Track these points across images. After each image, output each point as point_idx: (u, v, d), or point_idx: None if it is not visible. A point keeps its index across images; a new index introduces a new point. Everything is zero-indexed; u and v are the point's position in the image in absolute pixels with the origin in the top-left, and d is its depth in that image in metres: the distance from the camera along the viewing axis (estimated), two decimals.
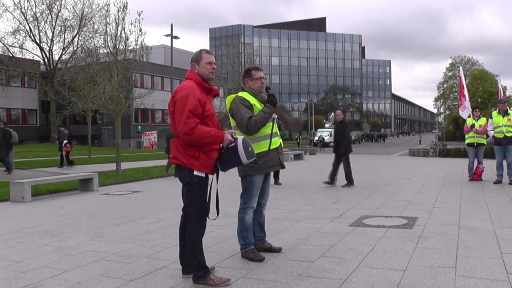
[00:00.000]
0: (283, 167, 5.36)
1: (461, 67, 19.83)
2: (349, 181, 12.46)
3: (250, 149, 4.39)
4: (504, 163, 12.10)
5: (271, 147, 5.12)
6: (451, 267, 4.71)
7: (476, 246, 5.54)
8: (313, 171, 18.74)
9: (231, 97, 5.21)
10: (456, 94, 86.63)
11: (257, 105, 5.09)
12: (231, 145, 4.35)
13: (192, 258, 4.32)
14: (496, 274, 4.47)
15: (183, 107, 4.15)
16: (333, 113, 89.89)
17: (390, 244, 5.69)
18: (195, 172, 4.27)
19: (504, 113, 12.05)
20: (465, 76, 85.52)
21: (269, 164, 5.10)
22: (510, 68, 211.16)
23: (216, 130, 4.28)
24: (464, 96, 14.93)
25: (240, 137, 4.42)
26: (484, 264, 4.78)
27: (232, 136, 4.35)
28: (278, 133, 5.31)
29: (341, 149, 12.54)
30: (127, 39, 18.59)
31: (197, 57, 4.47)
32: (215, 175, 4.49)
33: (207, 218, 4.43)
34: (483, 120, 12.77)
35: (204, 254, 4.39)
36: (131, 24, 18.72)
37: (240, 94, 5.20)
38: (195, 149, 4.24)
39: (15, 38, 50.49)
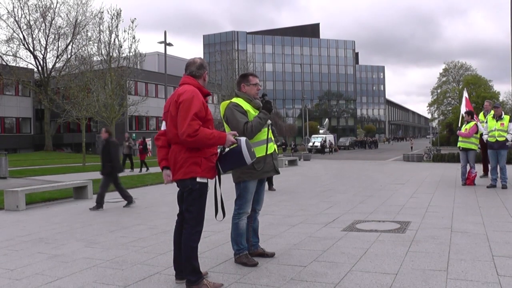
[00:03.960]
0: (278, 172, 5.37)
1: (465, 91, 19.61)
2: (99, 203, 10.90)
3: (252, 150, 4.48)
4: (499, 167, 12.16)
5: (267, 153, 5.16)
6: (442, 270, 4.75)
7: (468, 249, 5.58)
8: (307, 177, 18.76)
9: (225, 103, 5.24)
10: (450, 99, 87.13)
11: (251, 111, 5.12)
12: (233, 146, 4.39)
13: (186, 263, 4.34)
14: (487, 276, 4.51)
15: (187, 109, 4.18)
16: (327, 119, 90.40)
17: (382, 248, 5.73)
18: (198, 179, 4.30)
19: (498, 118, 12.14)
20: (458, 81, 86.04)
21: (264, 169, 5.13)
22: (504, 73, 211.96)
23: (218, 132, 4.32)
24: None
25: (243, 138, 4.47)
26: (476, 267, 4.82)
27: (234, 137, 4.40)
28: (273, 139, 5.35)
29: (105, 169, 11.15)
30: (121, 46, 18.66)
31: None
32: (216, 177, 4.53)
33: (215, 219, 4.50)
34: (469, 125, 12.83)
35: (198, 259, 4.42)
36: (125, 31, 18.80)
37: (234, 100, 5.21)
38: (198, 155, 4.28)
39: (8, 46, 50.49)
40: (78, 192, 13.30)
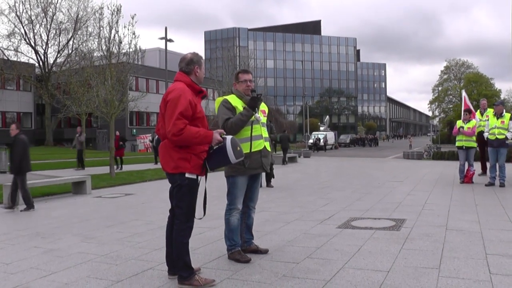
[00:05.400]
0: (266, 171, 5.34)
1: (463, 91, 19.57)
2: (28, 204, 10.45)
3: (238, 148, 4.45)
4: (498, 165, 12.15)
5: (253, 150, 5.13)
6: (435, 268, 4.76)
7: (462, 247, 5.59)
8: (306, 174, 18.78)
9: (219, 99, 5.29)
10: (451, 97, 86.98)
11: (240, 107, 5.13)
12: (219, 144, 4.40)
13: (178, 259, 4.35)
14: (479, 274, 4.52)
15: (173, 108, 4.19)
16: (327, 116, 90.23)
17: (376, 246, 5.74)
18: (187, 175, 4.31)
19: (499, 116, 12.12)
20: (459, 79, 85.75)
21: (250, 166, 5.11)
22: (506, 70, 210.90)
23: (205, 130, 4.32)
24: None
25: (228, 137, 4.47)
26: (468, 265, 4.83)
27: (221, 136, 4.40)
28: (265, 136, 5.32)
29: (13, 169, 10.66)
30: (121, 42, 18.62)
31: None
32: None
33: (209, 216, 4.48)
34: (472, 123, 12.85)
35: (190, 255, 4.44)
36: (125, 27, 18.76)
37: (228, 96, 5.29)
38: (187, 151, 4.28)
39: (10, 41, 50.51)
40: (77, 187, 13.35)
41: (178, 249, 4.34)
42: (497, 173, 12.08)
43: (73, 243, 6.57)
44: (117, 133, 24.01)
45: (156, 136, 26.91)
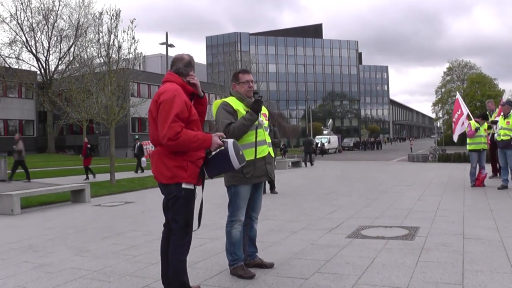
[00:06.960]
0: (270, 178, 4.97)
1: (458, 93, 19.37)
2: None
3: (241, 153, 4.05)
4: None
5: (257, 156, 4.73)
6: (457, 283, 4.33)
7: (484, 258, 5.16)
8: (310, 178, 18.38)
9: (217, 102, 4.88)
10: (455, 98, 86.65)
11: (242, 111, 4.73)
12: (219, 149, 3.99)
13: (174, 278, 3.94)
14: None
15: (168, 110, 3.78)
16: (331, 120, 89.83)
17: (390, 258, 5.31)
18: (184, 185, 3.90)
19: (506, 116, 11.74)
20: (463, 80, 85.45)
21: (254, 174, 4.71)
22: (509, 70, 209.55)
23: (203, 134, 3.91)
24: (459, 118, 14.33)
25: (230, 140, 4.05)
26: (494, 280, 4.39)
27: (221, 139, 3.99)
28: (268, 141, 4.93)
29: None
30: (120, 47, 18.30)
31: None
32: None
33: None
34: (485, 126, 12.54)
35: (187, 273, 4.03)
36: (124, 32, 18.45)
37: (227, 99, 4.88)
38: (183, 158, 3.88)
39: (11, 49, 50.43)
40: (76, 196, 12.96)
41: (175, 267, 3.93)
42: (509, 175, 11.67)
43: (66, 257, 6.17)
44: (86, 139, 22.97)
45: (138, 143, 26.51)
